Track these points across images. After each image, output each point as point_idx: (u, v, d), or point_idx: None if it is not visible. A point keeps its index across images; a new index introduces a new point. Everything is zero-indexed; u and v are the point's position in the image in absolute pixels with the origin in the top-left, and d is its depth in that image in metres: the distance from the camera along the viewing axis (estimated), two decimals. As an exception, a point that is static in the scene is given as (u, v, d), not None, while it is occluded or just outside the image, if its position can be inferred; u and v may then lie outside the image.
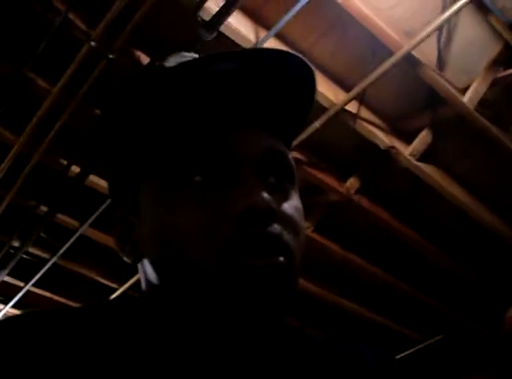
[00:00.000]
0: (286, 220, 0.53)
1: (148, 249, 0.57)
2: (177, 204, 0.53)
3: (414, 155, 2.30)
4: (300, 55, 0.55)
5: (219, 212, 0.52)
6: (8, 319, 0.56)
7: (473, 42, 2.05)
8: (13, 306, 3.80)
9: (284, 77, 0.56)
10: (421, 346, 3.74)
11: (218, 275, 0.50)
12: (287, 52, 0.55)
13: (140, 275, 0.60)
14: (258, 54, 0.55)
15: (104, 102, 0.62)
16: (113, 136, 0.60)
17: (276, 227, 0.52)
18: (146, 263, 0.58)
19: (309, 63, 0.56)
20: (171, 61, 0.59)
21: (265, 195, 0.51)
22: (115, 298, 0.60)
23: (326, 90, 2.10)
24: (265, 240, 0.51)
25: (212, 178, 0.53)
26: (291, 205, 0.56)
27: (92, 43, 1.94)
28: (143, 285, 0.60)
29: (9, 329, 0.54)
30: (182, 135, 0.55)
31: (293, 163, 0.59)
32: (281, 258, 0.51)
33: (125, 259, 0.61)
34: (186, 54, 0.61)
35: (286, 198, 0.56)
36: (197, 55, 0.60)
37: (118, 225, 0.62)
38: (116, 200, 0.64)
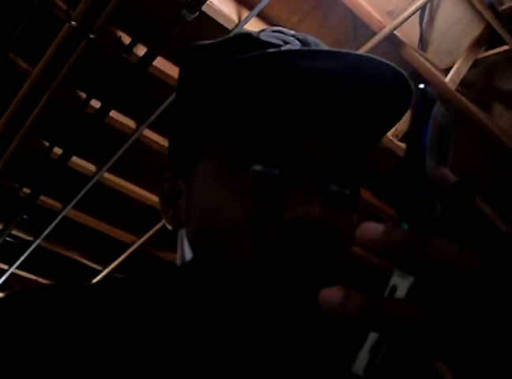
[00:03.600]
0: (338, 235, 0.52)
1: (189, 223, 0.56)
2: (232, 187, 0.52)
3: (396, 136, 2.31)
4: (395, 66, 0.51)
5: (270, 212, 0.50)
6: (3, 299, 0.55)
7: (455, 22, 2.05)
8: (-3, 289, 3.79)
9: (376, 85, 0.52)
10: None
11: (252, 277, 0.50)
12: (385, 62, 0.51)
13: (177, 244, 0.59)
14: (355, 57, 0.52)
15: (192, 56, 0.60)
16: (192, 93, 0.58)
17: (327, 241, 0.51)
18: (184, 236, 0.57)
19: (405, 74, 0.52)
20: (268, 36, 0.56)
21: (321, 207, 0.49)
22: (116, 278, 0.59)
23: (309, 70, 2.09)
24: (309, 252, 0.50)
25: (273, 173, 0.51)
26: (347, 221, 0.54)
27: (73, 23, 1.91)
28: (178, 257, 0.59)
29: (6, 311, 0.53)
30: (259, 119, 0.53)
31: (361, 175, 0.56)
32: (315, 277, 0.50)
33: (165, 223, 0.59)
34: (285, 30, 0.58)
35: (344, 213, 0.54)
36: (293, 33, 0.58)
37: (166, 185, 0.60)
38: (172, 159, 0.61)
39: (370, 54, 0.51)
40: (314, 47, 0.58)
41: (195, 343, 0.54)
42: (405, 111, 0.55)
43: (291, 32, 0.58)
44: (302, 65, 0.51)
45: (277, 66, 0.51)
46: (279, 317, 0.50)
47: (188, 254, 0.56)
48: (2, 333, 0.51)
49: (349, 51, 0.51)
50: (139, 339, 0.53)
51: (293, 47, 0.56)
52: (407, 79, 0.52)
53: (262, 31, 0.58)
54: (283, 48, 0.55)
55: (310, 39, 0.59)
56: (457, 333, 0.28)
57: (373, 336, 0.30)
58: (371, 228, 0.30)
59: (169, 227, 0.59)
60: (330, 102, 0.53)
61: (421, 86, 0.32)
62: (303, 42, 0.57)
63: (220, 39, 0.59)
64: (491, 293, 0.28)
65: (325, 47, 0.59)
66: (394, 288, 0.31)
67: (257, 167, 0.51)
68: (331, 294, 0.30)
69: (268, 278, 0.49)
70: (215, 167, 0.54)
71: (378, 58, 0.51)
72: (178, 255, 0.59)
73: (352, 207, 0.55)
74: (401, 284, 0.30)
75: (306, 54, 0.53)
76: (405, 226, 0.30)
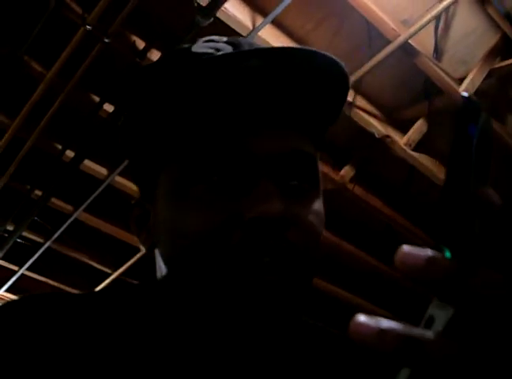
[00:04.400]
0: (301, 226, 0.52)
1: (160, 242, 0.57)
2: (189, 201, 0.52)
3: (409, 145, 2.30)
4: (330, 55, 0.53)
5: (230, 217, 0.50)
6: (8, 304, 0.56)
7: (471, 32, 2.04)
8: (7, 290, 3.80)
9: (311, 76, 0.54)
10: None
11: (220, 280, 0.50)
12: (316, 51, 0.52)
13: (155, 265, 0.60)
14: (285, 51, 0.53)
15: (128, 85, 0.61)
16: (135, 122, 0.58)
17: (289, 236, 0.51)
18: (158, 255, 0.58)
19: (340, 62, 0.54)
20: (200, 47, 0.57)
21: (280, 203, 0.49)
22: (124, 284, 0.61)
23: (322, 78, 2.09)
24: (271, 249, 0.50)
25: (227, 179, 0.52)
26: (310, 210, 0.54)
27: (88, 27, 1.92)
28: (157, 273, 0.60)
29: (10, 315, 0.53)
30: (202, 130, 0.53)
31: (318, 164, 0.57)
32: (281, 275, 0.50)
33: (140, 246, 0.61)
34: (216, 38, 0.59)
35: (305, 202, 0.54)
36: (225, 39, 0.58)
37: (135, 210, 0.61)
38: (137, 185, 0.63)
39: (301, 46, 0.52)
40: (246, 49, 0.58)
41: (174, 349, 0.55)
42: (345, 96, 0.57)
43: (224, 39, 0.59)
44: (230, 68, 0.52)
45: (206, 75, 0.52)
46: (250, 320, 0.50)
47: (163, 270, 0.57)
48: (5, 337, 0.52)
49: (279, 47, 0.53)
50: (123, 346, 0.53)
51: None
52: (340, 64, 0.54)
53: (194, 43, 0.58)
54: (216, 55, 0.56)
55: (244, 41, 0.59)
56: (497, 372, 0.27)
57: (405, 372, 0.28)
58: (412, 254, 0.28)
59: (143, 249, 0.60)
60: (267, 99, 0.54)
61: (465, 94, 0.30)
62: (235, 46, 0.57)
63: (159, 58, 0.59)
64: None
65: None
66: (432, 319, 0.29)
67: (212, 177, 0.52)
68: (365, 325, 0.28)
69: (235, 282, 0.50)
70: (171, 186, 0.55)
71: (309, 48, 0.52)
72: (157, 273, 0.60)
73: (314, 195, 0.55)
74: (440, 316, 0.28)
75: (229, 57, 0.54)
76: (446, 250, 0.28)
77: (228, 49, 0.57)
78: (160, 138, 0.56)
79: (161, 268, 0.57)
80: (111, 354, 0.52)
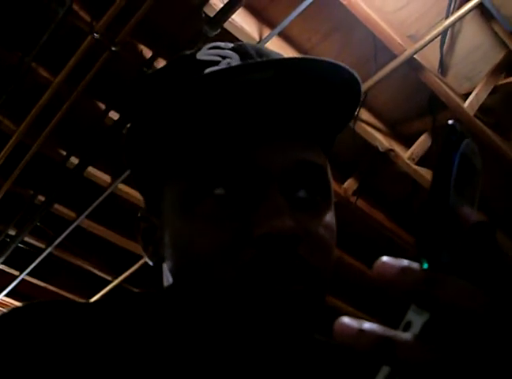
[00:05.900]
0: (313, 241, 0.51)
1: (167, 256, 0.55)
2: (196, 217, 0.51)
3: (413, 159, 2.30)
4: (339, 62, 0.52)
5: (239, 233, 0.49)
6: (14, 310, 0.55)
7: (476, 48, 2.05)
8: (7, 295, 3.80)
9: (318, 86, 0.53)
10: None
11: (235, 295, 0.49)
12: (322, 60, 0.51)
13: (163, 279, 0.59)
14: (291, 62, 0.52)
15: (133, 93, 0.60)
16: (139, 132, 0.57)
17: (301, 252, 0.49)
18: (166, 269, 0.56)
19: (351, 70, 0.52)
20: (205, 54, 0.56)
21: (290, 218, 0.48)
22: (133, 293, 0.59)
23: (328, 91, 2.10)
24: (285, 267, 0.48)
25: (234, 193, 0.50)
26: (322, 223, 0.53)
27: (96, 35, 1.93)
28: (164, 284, 0.58)
29: (15, 321, 0.53)
30: (207, 143, 0.52)
31: (329, 174, 0.56)
32: (301, 286, 0.49)
33: (146, 260, 0.59)
34: (222, 44, 0.57)
35: (316, 215, 0.53)
36: (231, 46, 0.57)
37: (142, 223, 0.60)
38: (143, 196, 0.62)
39: (309, 56, 0.52)
40: (255, 57, 0.57)
41: (177, 360, 0.54)
42: (357, 102, 0.56)
43: (230, 45, 0.57)
44: (239, 80, 0.51)
45: (211, 89, 0.51)
46: (272, 330, 0.48)
47: (171, 286, 0.56)
48: (8, 345, 0.51)
49: (286, 57, 0.52)
50: (127, 355, 0.52)
51: (232, 61, 0.55)
52: (351, 72, 0.52)
53: (199, 49, 0.57)
54: (221, 63, 0.55)
55: (251, 47, 0.58)
56: (464, 373, 0.29)
57: (385, 369, 0.30)
58: (388, 265, 0.30)
59: (150, 263, 0.59)
60: (274, 110, 0.52)
61: (450, 122, 0.32)
62: (241, 53, 0.56)
63: (164, 65, 0.59)
64: (493, 333, 0.29)
65: (274, 55, 0.59)
66: (409, 324, 0.31)
67: (218, 191, 0.50)
68: (346, 326, 0.30)
69: (247, 303, 0.48)
70: (177, 200, 0.53)
71: (315, 57, 0.51)
72: (164, 285, 0.58)
73: (324, 208, 0.54)
74: (416, 320, 0.31)
75: (233, 70, 0.53)
76: (424, 262, 0.30)
77: (234, 57, 0.56)
78: (165, 149, 0.55)
79: (169, 281, 0.56)
80: (116, 362, 0.51)
